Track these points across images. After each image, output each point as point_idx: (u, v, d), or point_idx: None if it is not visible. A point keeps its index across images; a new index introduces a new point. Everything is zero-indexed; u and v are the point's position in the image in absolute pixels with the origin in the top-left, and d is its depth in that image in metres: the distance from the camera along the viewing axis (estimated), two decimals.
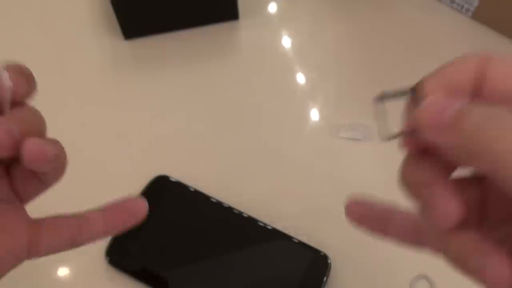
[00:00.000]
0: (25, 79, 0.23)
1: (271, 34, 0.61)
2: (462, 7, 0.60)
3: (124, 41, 0.59)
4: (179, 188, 0.46)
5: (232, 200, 0.45)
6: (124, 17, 0.57)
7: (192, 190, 0.46)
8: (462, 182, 0.21)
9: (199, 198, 0.45)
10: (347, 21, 0.62)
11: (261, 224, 0.44)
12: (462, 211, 0.18)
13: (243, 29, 0.61)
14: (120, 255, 0.42)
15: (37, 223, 0.25)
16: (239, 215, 0.44)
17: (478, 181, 0.21)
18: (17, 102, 0.23)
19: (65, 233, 0.25)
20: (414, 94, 0.20)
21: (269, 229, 0.44)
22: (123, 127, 0.53)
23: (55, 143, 0.24)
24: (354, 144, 0.51)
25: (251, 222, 0.44)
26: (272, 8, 0.63)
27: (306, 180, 0.48)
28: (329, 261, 0.42)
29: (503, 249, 0.18)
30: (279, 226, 0.44)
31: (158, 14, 0.58)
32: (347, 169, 0.49)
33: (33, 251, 0.24)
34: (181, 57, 0.58)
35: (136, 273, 0.41)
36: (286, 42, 0.60)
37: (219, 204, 0.45)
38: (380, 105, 0.22)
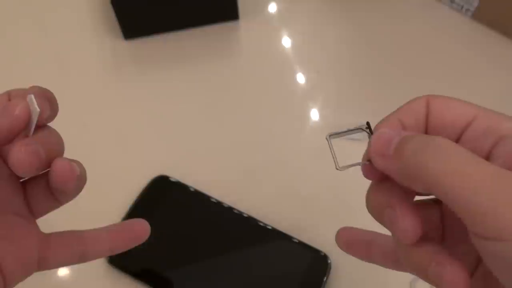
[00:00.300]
0: (49, 104, 0.25)
1: (271, 34, 0.61)
2: (462, 7, 0.60)
3: (124, 41, 0.59)
4: (179, 188, 0.46)
5: (232, 200, 0.45)
6: (124, 17, 0.57)
7: (192, 190, 0.46)
8: (422, 204, 0.24)
9: (199, 198, 0.45)
10: (347, 22, 0.62)
11: (261, 224, 0.44)
12: (419, 227, 0.20)
13: (243, 29, 0.61)
14: (120, 255, 0.42)
15: (47, 237, 0.26)
16: (239, 215, 0.44)
17: (437, 203, 0.25)
18: (40, 125, 0.24)
19: (74, 248, 0.27)
20: (369, 130, 0.24)
21: (269, 229, 0.44)
22: (123, 127, 0.53)
23: (79, 163, 0.25)
24: (353, 145, 0.51)
25: (251, 222, 0.44)
26: (272, 8, 0.63)
27: (306, 180, 0.48)
28: (329, 261, 0.42)
29: (463, 261, 0.19)
30: (279, 226, 0.44)
31: (158, 14, 0.58)
32: (347, 169, 0.49)
33: (43, 264, 0.26)
34: (181, 57, 0.58)
35: (136, 273, 0.41)
36: (286, 42, 0.60)
37: (219, 204, 0.45)
38: (333, 140, 0.25)
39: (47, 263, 0.26)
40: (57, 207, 0.27)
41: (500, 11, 0.58)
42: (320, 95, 0.56)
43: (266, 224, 0.44)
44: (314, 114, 0.54)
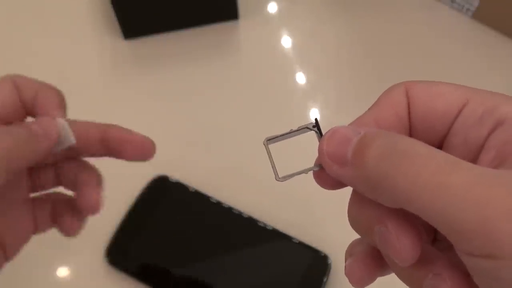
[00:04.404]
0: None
1: (271, 34, 0.61)
2: (463, 7, 0.60)
3: (124, 41, 0.59)
4: (179, 188, 0.46)
5: (232, 200, 0.45)
6: (124, 17, 0.57)
7: (192, 190, 0.46)
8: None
9: (199, 198, 0.45)
10: (347, 21, 0.62)
11: (261, 224, 0.44)
12: (418, 246, 0.17)
13: (243, 29, 0.61)
14: (120, 255, 0.42)
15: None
16: (239, 215, 0.44)
17: None
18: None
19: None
20: (318, 129, 0.20)
21: (269, 229, 0.43)
22: (123, 126, 0.52)
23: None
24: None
25: (251, 222, 0.44)
26: (272, 8, 0.63)
27: (306, 180, 0.48)
28: (329, 262, 0.42)
29: (457, 268, 0.17)
30: (279, 226, 0.44)
31: (158, 14, 0.58)
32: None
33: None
34: (181, 57, 0.58)
35: (136, 273, 0.41)
36: (286, 42, 0.60)
37: (219, 204, 0.45)
38: (271, 145, 0.21)
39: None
40: None
41: (501, 11, 0.57)
42: (320, 95, 0.56)
43: (266, 224, 0.44)
44: (314, 114, 0.54)
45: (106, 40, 0.59)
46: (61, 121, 0.26)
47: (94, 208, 0.27)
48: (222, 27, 0.60)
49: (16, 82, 0.26)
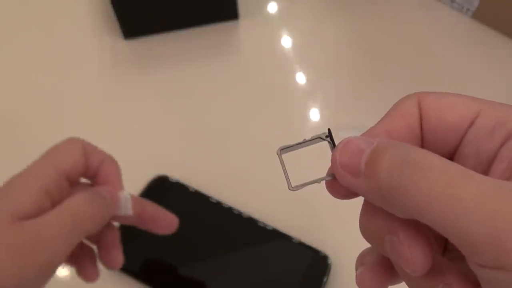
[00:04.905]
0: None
1: (271, 34, 0.61)
2: (463, 7, 0.60)
3: (124, 41, 0.59)
4: (179, 188, 0.46)
5: (232, 201, 0.45)
6: (124, 17, 0.57)
7: (192, 190, 0.46)
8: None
9: (199, 198, 0.45)
10: (347, 21, 0.62)
11: (261, 224, 0.44)
12: (430, 256, 0.17)
13: (243, 29, 0.61)
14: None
15: None
16: (239, 215, 0.44)
17: None
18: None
19: None
20: (331, 139, 0.21)
21: (269, 229, 0.43)
22: (123, 126, 0.53)
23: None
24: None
25: (251, 222, 0.44)
26: (272, 8, 0.63)
27: (306, 181, 0.48)
28: (329, 262, 0.42)
29: (467, 279, 0.17)
30: (279, 227, 0.44)
31: (158, 14, 0.58)
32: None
33: None
34: (181, 57, 0.58)
35: (136, 273, 0.41)
36: (286, 41, 0.60)
37: (219, 204, 0.45)
38: (284, 155, 0.21)
39: None
40: None
41: (501, 11, 0.58)
42: (320, 95, 0.56)
43: (266, 225, 0.44)
44: (314, 114, 0.54)
45: (106, 40, 0.59)
46: (125, 193, 0.30)
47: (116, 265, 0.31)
48: (222, 27, 0.60)
49: (85, 148, 0.30)
